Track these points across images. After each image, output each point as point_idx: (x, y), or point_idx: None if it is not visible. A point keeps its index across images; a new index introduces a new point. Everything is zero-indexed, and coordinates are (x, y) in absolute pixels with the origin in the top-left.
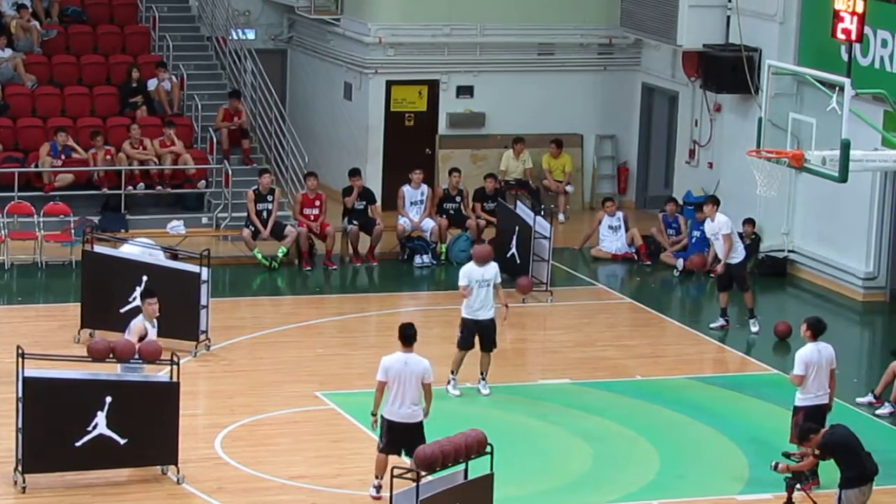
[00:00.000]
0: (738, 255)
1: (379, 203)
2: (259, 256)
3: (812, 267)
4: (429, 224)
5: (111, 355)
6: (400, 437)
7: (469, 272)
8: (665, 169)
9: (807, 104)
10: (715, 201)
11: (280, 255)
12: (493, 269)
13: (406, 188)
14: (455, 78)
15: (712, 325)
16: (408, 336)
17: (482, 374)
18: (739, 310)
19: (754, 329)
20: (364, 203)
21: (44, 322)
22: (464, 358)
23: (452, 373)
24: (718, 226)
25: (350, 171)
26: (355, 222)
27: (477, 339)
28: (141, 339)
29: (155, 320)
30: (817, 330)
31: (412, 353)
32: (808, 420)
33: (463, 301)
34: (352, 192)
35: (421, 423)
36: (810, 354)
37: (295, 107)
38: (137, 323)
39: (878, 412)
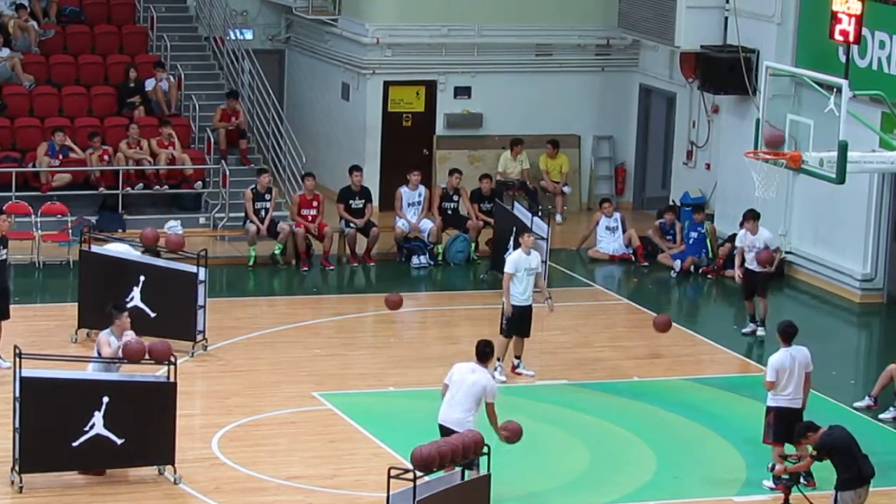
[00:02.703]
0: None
1: (376, 203)
2: (252, 254)
3: (809, 268)
4: (427, 225)
5: (147, 356)
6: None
7: (517, 261)
8: (662, 170)
9: (804, 105)
10: (755, 216)
11: (276, 252)
12: (536, 258)
13: (403, 189)
14: (452, 79)
15: (744, 331)
16: None
17: (518, 357)
18: (736, 312)
19: (761, 333)
20: (363, 202)
21: (41, 322)
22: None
23: (499, 359)
24: (762, 240)
25: (351, 168)
26: (353, 225)
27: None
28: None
29: (127, 333)
30: (788, 335)
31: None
32: (780, 421)
33: (509, 288)
34: (348, 195)
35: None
36: (782, 360)
37: (292, 107)
38: (103, 337)
39: (881, 416)
